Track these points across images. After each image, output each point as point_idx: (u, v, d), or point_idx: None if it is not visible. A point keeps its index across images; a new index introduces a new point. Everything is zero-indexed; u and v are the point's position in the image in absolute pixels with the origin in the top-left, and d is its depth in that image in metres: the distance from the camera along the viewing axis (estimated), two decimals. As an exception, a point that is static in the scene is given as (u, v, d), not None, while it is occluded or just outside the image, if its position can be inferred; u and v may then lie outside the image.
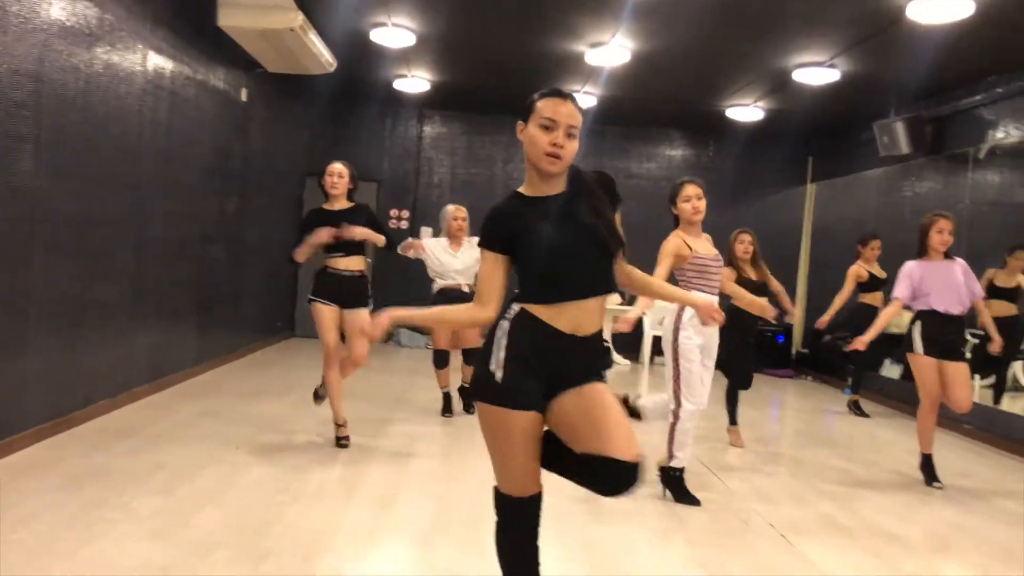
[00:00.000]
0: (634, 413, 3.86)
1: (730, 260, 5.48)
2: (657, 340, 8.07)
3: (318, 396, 4.85)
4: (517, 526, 2.24)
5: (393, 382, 7.19)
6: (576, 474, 2.14)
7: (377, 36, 6.87)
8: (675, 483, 4.08)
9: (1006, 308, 6.23)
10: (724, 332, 4.22)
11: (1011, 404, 6.56)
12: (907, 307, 4.83)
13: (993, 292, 6.20)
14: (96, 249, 4.84)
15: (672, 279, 3.85)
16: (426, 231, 9.51)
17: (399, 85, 8.83)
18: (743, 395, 5.66)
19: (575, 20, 6.27)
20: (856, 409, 7.19)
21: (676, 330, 4.02)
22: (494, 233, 2.19)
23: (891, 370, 7.90)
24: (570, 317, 2.14)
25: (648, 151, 10.58)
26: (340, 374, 4.69)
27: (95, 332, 4.88)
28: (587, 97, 8.60)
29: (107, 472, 3.85)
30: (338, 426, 4.74)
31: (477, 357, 2.21)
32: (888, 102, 7.76)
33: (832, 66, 6.88)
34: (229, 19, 6.11)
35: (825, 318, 6.77)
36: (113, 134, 4.95)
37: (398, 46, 7.15)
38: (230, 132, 7.17)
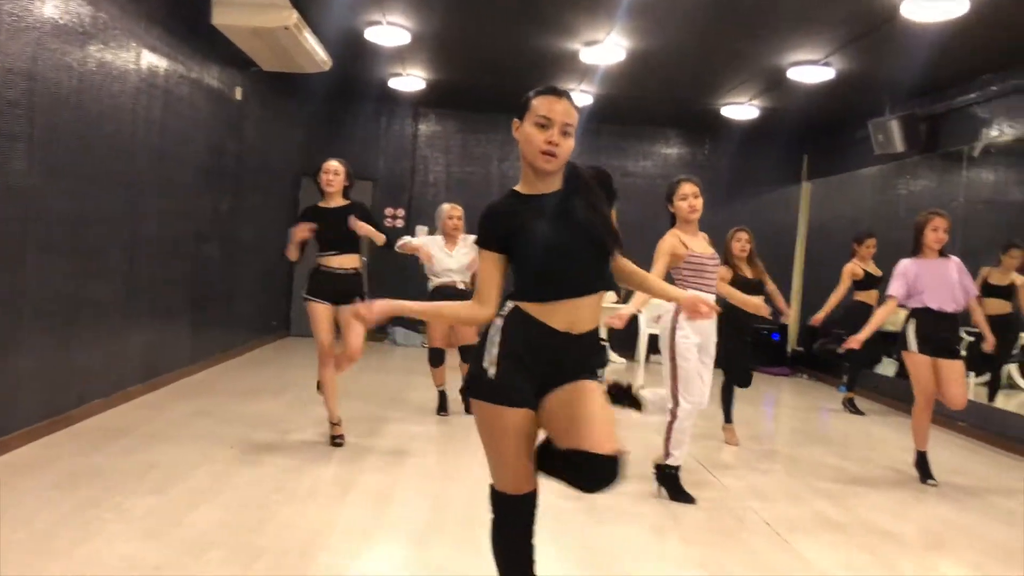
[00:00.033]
0: (636, 403, 3.85)
1: (726, 258, 5.47)
2: (653, 338, 8.11)
3: (321, 388, 4.88)
4: (512, 524, 2.25)
5: (388, 381, 7.19)
6: (561, 471, 2.13)
7: (372, 34, 6.86)
8: (671, 481, 4.08)
9: (1001, 306, 6.26)
10: (721, 331, 4.22)
11: (1005, 402, 6.58)
12: (902, 305, 4.84)
13: (988, 290, 6.22)
14: (90, 248, 4.83)
15: (669, 278, 3.85)
16: (422, 229, 9.51)
17: (394, 83, 8.82)
18: (739, 393, 5.66)
19: (570, 18, 6.26)
20: (851, 407, 7.21)
21: (673, 329, 4.02)
22: (490, 232, 2.18)
23: (886, 367, 7.91)
24: (565, 315, 2.14)
25: (644, 149, 10.59)
26: (336, 369, 4.69)
27: (89, 331, 4.86)
28: (583, 95, 8.59)
29: (101, 471, 3.84)
30: (333, 425, 4.74)
31: (472, 354, 2.20)
32: (883, 100, 7.77)
33: (827, 64, 6.89)
34: (223, 17, 6.09)
35: (820, 315, 6.80)
36: (107, 133, 4.93)
37: (393, 44, 7.14)
38: (224, 131, 7.15)
